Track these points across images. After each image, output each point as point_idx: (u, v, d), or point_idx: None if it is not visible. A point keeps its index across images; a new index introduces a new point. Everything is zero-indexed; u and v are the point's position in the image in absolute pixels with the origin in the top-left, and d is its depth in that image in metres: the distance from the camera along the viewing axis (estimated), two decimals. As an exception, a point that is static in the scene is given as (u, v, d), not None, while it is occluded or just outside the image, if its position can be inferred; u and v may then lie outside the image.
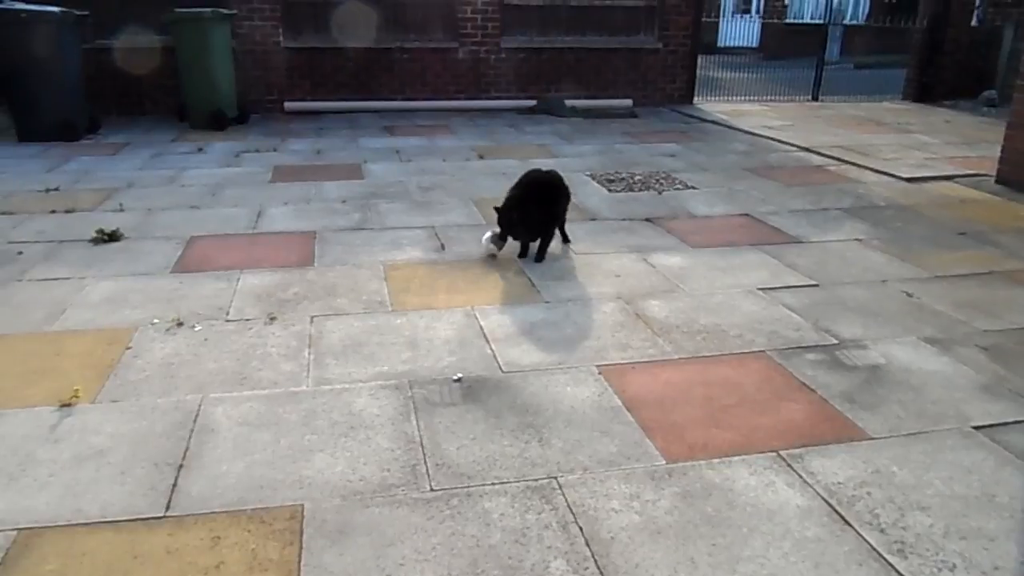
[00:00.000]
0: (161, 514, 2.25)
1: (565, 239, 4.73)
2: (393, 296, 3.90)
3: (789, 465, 2.53)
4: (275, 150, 7.57)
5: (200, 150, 7.48)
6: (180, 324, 3.52)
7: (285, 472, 2.45)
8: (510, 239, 4.40)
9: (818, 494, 2.38)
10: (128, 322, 3.54)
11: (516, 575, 2.04)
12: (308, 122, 9.21)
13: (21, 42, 7.36)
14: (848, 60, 20.20)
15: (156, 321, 3.55)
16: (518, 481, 2.43)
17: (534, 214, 4.35)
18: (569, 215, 4.66)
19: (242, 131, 8.56)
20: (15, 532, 2.17)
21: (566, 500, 2.34)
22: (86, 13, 7.99)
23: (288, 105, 9.76)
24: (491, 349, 3.32)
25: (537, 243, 4.46)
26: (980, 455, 2.60)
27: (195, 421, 2.73)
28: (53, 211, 5.30)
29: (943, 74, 11.80)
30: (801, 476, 2.47)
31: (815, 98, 12.04)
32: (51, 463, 2.48)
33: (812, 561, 2.10)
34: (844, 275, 4.31)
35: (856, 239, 4.97)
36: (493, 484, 2.41)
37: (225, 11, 8.67)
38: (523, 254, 4.48)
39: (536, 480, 2.43)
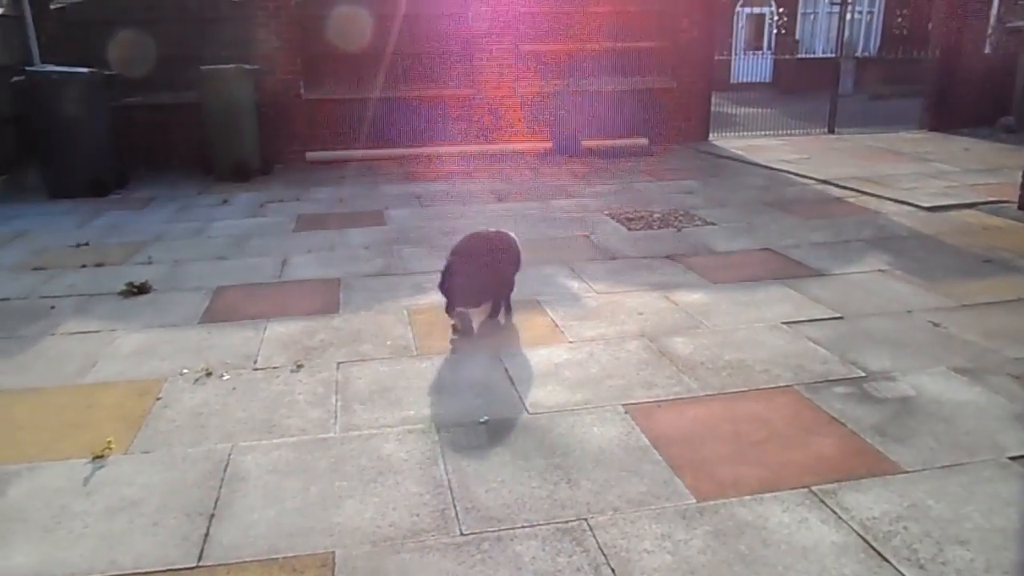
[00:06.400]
0: (194, 564, 2.27)
1: (498, 311, 4.21)
2: (418, 340, 3.93)
3: (822, 501, 2.49)
4: (298, 199, 7.71)
5: (225, 202, 7.63)
6: (209, 374, 3.57)
7: (315, 519, 2.46)
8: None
9: (853, 530, 2.34)
10: (158, 373, 3.60)
11: (549, 619, 2.02)
12: (330, 171, 9.37)
13: (52, 103, 7.63)
14: (862, 92, 20.24)
15: (185, 371, 3.60)
16: (548, 523, 2.42)
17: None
18: (590, 254, 4.64)
19: (266, 182, 8.74)
20: (51, 585, 2.20)
21: (597, 542, 2.32)
22: (114, 73, 8.28)
23: (310, 155, 9.96)
24: (516, 391, 3.33)
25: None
26: (1018, 486, 2.55)
27: (225, 470, 2.76)
28: (84, 265, 5.42)
29: (959, 102, 11.80)
30: (835, 512, 2.43)
31: (831, 130, 12.05)
32: (85, 515, 2.51)
33: (850, 599, 2.06)
34: (869, 306, 4.28)
35: (879, 270, 4.94)
36: (523, 527, 2.40)
37: (249, 67, 8.92)
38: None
39: (566, 522, 2.42)
